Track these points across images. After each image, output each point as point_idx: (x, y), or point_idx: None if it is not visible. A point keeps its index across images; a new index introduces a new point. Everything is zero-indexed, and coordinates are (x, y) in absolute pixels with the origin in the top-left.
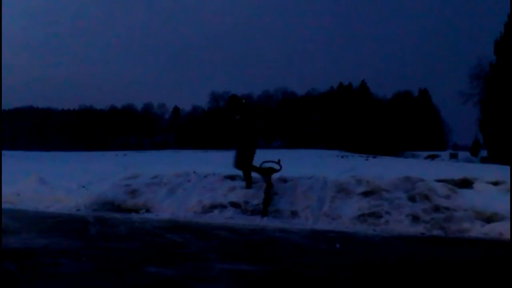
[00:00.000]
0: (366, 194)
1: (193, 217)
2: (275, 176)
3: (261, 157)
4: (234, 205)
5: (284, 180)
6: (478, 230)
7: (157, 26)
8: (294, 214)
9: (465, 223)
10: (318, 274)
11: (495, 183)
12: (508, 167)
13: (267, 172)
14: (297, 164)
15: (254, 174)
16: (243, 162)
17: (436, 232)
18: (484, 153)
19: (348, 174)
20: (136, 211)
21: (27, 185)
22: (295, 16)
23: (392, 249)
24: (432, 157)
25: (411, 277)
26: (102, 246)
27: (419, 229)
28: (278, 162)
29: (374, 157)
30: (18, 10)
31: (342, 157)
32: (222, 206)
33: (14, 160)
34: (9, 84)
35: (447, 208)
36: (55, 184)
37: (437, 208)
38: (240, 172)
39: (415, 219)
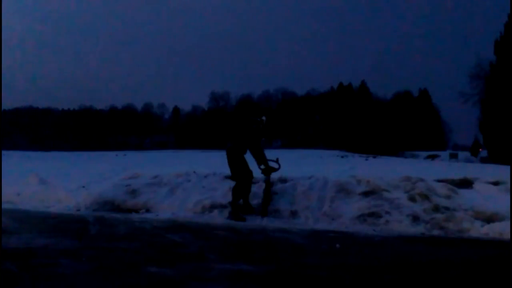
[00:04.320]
0: (366, 194)
1: (193, 217)
2: (275, 176)
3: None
4: None
5: (284, 180)
6: (478, 230)
7: (157, 26)
8: (294, 214)
9: (465, 223)
10: (318, 274)
11: (495, 183)
12: (508, 167)
13: (266, 172)
14: (297, 164)
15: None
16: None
17: (436, 232)
18: (484, 153)
19: (348, 174)
20: (136, 211)
21: (27, 185)
22: (295, 16)
23: (392, 249)
24: (432, 157)
25: (411, 277)
26: (102, 246)
27: (419, 229)
28: (277, 161)
29: (374, 157)
30: (18, 9)
31: (342, 157)
32: (222, 206)
33: (14, 160)
34: (9, 84)
35: (447, 208)
36: (55, 184)
37: (437, 208)
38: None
39: (415, 219)
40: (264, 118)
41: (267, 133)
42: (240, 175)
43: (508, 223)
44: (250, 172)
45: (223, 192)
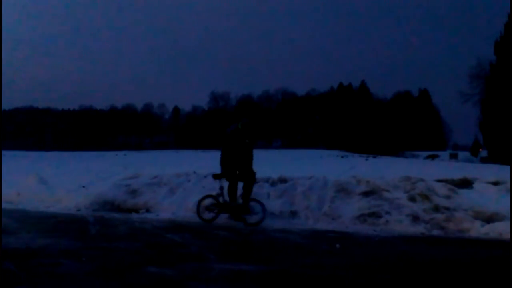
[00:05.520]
0: (366, 194)
1: (193, 217)
2: (275, 176)
3: (260, 158)
4: None
5: (284, 180)
6: (478, 230)
7: (157, 26)
8: (294, 214)
9: (465, 223)
10: (318, 274)
11: (495, 183)
12: (508, 167)
13: (216, 176)
14: (297, 164)
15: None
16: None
17: (436, 232)
18: (484, 153)
19: (348, 174)
20: (136, 211)
21: (27, 185)
22: (295, 16)
23: (392, 249)
24: (432, 157)
25: (411, 277)
26: (102, 246)
27: (419, 229)
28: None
29: (374, 157)
30: (18, 9)
31: (342, 157)
32: None
33: (14, 160)
34: (9, 84)
35: (447, 208)
36: (55, 184)
37: (437, 208)
38: None
39: (415, 219)
40: (245, 121)
41: (249, 136)
42: (228, 175)
43: (508, 223)
44: (236, 171)
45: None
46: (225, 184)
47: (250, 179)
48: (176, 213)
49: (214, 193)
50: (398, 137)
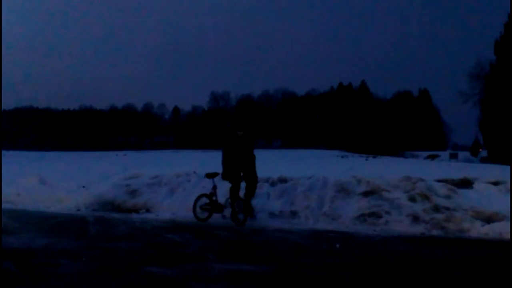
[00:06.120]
0: (366, 194)
1: (193, 217)
2: (275, 176)
3: (260, 158)
4: None
5: (284, 180)
6: (478, 230)
7: (157, 26)
8: (294, 214)
9: (465, 223)
10: (318, 274)
11: (495, 183)
12: (508, 167)
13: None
14: (297, 164)
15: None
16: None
17: (436, 232)
18: (484, 153)
19: (348, 174)
20: (136, 211)
21: (28, 185)
22: (295, 16)
23: (392, 249)
24: (432, 157)
25: (411, 277)
26: (102, 246)
27: (419, 229)
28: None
29: (374, 157)
30: (18, 9)
31: (342, 157)
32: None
33: (14, 160)
34: (9, 84)
35: (447, 208)
36: (55, 184)
37: (437, 208)
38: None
39: (415, 219)
40: (232, 119)
41: (241, 131)
42: (230, 176)
43: (508, 223)
44: (239, 173)
45: (223, 192)
46: (219, 183)
47: (253, 180)
48: (176, 213)
49: (208, 192)
50: (398, 137)
